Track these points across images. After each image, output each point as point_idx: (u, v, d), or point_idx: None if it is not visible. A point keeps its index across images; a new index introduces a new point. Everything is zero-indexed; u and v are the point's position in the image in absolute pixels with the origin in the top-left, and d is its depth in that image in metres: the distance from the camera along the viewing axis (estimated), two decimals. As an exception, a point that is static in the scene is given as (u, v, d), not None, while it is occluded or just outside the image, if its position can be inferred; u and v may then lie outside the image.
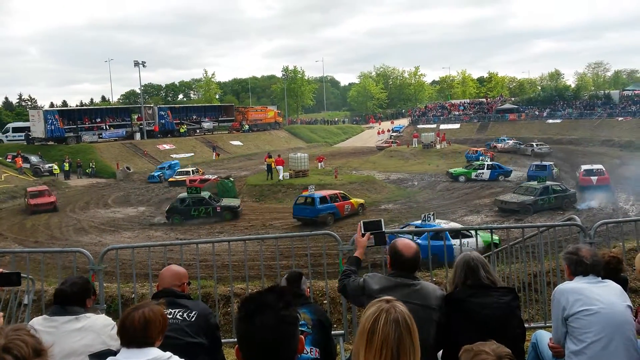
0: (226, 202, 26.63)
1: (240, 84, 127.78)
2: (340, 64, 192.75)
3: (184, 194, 26.27)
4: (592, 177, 29.57)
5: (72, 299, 3.18)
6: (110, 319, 3.22)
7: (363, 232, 3.74)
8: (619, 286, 3.29)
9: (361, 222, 3.82)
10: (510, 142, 51.32)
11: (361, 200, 26.62)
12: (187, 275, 3.54)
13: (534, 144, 48.29)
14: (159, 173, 40.71)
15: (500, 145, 50.55)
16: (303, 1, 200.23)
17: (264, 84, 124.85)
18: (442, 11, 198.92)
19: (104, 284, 6.70)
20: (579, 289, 3.18)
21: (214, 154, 54.51)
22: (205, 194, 26.26)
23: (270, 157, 36.12)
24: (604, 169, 30.71)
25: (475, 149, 45.14)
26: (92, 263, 5.62)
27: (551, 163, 34.59)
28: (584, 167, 31.71)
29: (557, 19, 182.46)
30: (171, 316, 3.10)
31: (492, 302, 3.05)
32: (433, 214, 17.96)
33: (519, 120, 67.69)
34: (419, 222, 17.76)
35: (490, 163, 35.80)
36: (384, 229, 3.80)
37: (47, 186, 33.38)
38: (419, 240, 6.14)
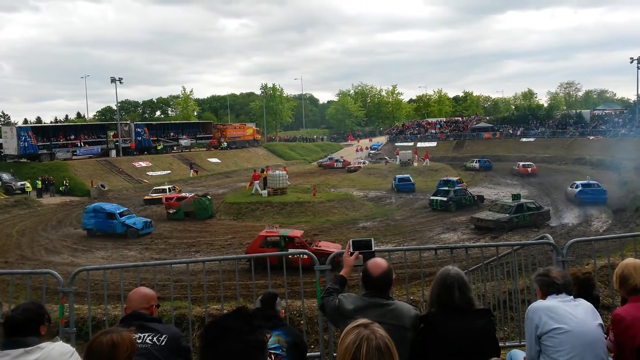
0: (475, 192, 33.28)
1: (219, 101, 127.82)
2: (319, 82, 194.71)
3: (445, 187, 33.04)
4: (527, 169, 46.22)
5: (23, 328, 2.96)
6: (69, 345, 2.96)
7: (352, 250, 3.72)
8: (590, 305, 3.32)
9: (350, 240, 3.78)
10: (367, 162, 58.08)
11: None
12: (156, 297, 3.44)
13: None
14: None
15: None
16: (280, 21, 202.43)
17: (242, 101, 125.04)
18: (418, 32, 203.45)
19: (75, 306, 6.52)
20: (552, 308, 3.20)
21: (192, 171, 54.07)
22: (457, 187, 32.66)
23: (263, 171, 36.36)
24: (533, 164, 47.50)
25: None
26: (62, 285, 5.45)
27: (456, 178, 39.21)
28: (521, 163, 48.01)
29: (529, 40, 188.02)
30: (140, 340, 3.02)
31: (467, 327, 3.01)
32: None
33: (493, 139, 68.91)
34: None
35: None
36: (373, 249, 3.75)
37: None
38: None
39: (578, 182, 32.63)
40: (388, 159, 60.53)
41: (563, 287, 3.29)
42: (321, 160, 63.74)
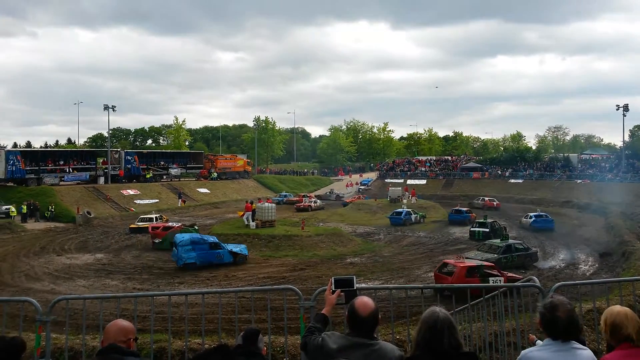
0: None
1: (211, 132, 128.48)
2: (311, 116, 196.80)
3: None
4: (493, 202, 52.22)
5: None
6: None
7: (333, 288, 3.68)
8: (590, 354, 3.19)
9: (332, 278, 3.76)
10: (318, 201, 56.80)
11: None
12: (134, 331, 3.38)
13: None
14: None
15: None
16: (276, 56, 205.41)
17: (235, 132, 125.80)
18: (410, 72, 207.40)
19: (53, 335, 6.35)
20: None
21: (180, 200, 53.73)
22: None
23: (252, 202, 35.99)
24: (496, 200, 53.50)
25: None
26: (40, 313, 5.32)
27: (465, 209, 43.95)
28: (487, 197, 54.24)
29: (518, 84, 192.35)
30: None
31: None
32: None
33: (482, 179, 69.61)
34: None
35: None
36: (355, 287, 3.72)
37: None
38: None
39: (531, 214, 38.80)
40: (338, 193, 64.69)
41: (563, 331, 3.16)
42: (276, 198, 58.31)
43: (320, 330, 3.45)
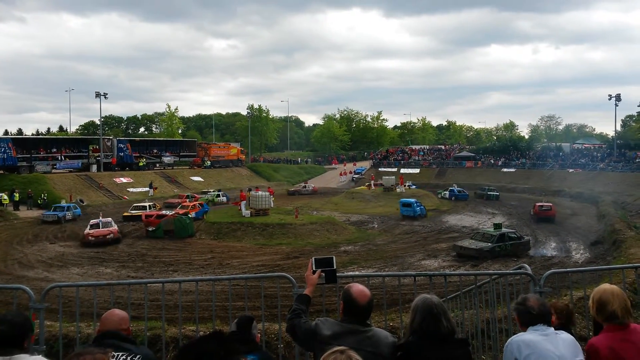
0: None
1: (204, 120, 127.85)
2: (305, 105, 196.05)
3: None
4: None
5: (8, 340, 2.85)
6: None
7: (314, 269, 3.70)
8: (572, 338, 3.30)
9: (312, 258, 3.78)
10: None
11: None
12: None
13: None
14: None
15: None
16: (268, 43, 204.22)
17: (228, 120, 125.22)
18: (403, 60, 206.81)
19: (47, 323, 6.34)
20: (532, 343, 3.17)
21: (152, 189, 51.87)
22: None
23: (249, 190, 35.95)
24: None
25: None
26: (33, 301, 5.31)
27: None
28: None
29: (511, 73, 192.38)
30: (115, 359, 2.98)
31: (445, 356, 3.00)
32: None
33: (475, 168, 69.87)
34: None
35: None
36: (335, 267, 3.76)
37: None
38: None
39: (452, 187, 53.10)
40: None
41: (539, 317, 3.28)
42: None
43: (304, 312, 3.48)
